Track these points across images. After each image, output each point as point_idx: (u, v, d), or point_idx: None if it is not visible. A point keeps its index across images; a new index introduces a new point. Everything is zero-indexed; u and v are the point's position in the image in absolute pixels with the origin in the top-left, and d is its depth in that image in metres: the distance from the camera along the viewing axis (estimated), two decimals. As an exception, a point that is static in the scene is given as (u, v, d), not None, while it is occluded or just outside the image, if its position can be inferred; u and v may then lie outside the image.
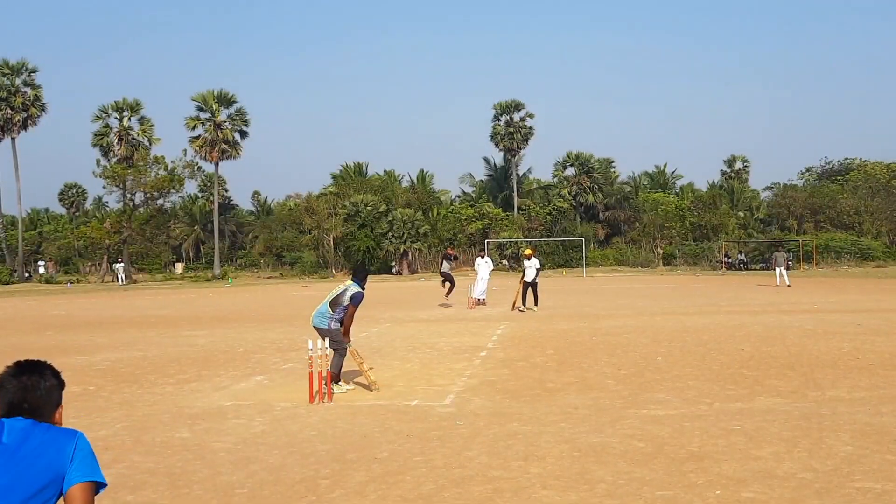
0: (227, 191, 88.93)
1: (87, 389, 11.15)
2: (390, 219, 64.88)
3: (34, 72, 63.90)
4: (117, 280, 60.84)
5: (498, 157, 79.41)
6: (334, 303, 10.82)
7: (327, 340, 10.49)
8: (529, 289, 24.29)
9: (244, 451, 7.56)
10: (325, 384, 10.09)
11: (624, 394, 10.20)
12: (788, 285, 34.99)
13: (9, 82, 62.86)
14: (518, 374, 11.95)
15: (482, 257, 27.57)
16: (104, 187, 64.82)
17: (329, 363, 10.43)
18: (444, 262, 28.65)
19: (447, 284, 27.72)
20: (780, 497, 5.92)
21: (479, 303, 26.34)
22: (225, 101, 66.39)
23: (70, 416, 9.32)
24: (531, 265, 24.42)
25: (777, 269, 36.36)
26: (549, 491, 6.17)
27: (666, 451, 7.28)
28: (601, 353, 14.09)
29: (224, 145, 65.73)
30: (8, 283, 57.29)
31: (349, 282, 11.08)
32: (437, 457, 7.24)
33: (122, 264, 61.49)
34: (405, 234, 64.35)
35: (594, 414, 8.98)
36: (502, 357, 13.87)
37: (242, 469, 6.93)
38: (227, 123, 66.27)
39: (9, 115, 61.89)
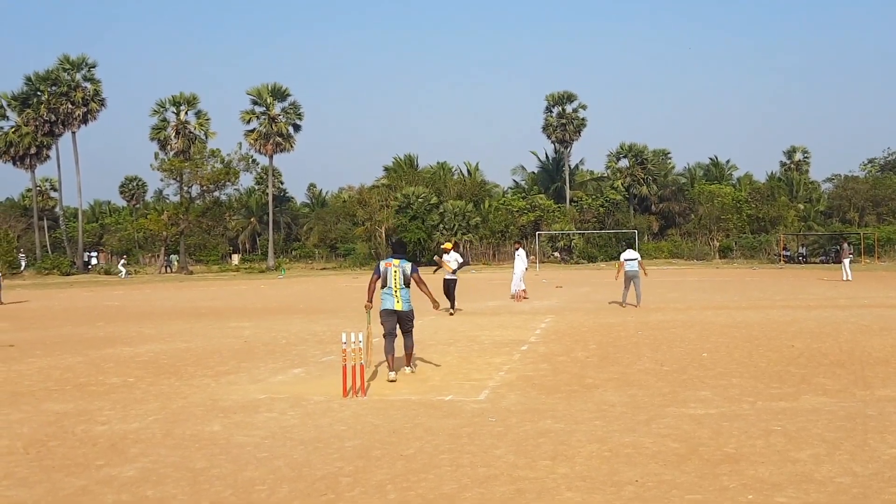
0: (282, 183, 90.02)
1: (127, 381, 11.21)
2: (441, 210, 64.85)
3: (94, 67, 65.06)
4: (170, 269, 63.01)
5: (549, 149, 78.93)
6: (406, 282, 11.22)
7: (405, 325, 11.35)
8: (451, 286, 21.54)
9: (271, 447, 7.51)
10: (361, 377, 10.03)
11: (664, 391, 9.95)
12: (848, 279, 33.94)
13: (69, 77, 64.17)
14: (557, 370, 11.74)
15: (516, 250, 25.72)
16: (161, 180, 66.02)
17: (406, 347, 11.49)
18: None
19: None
20: (814, 502, 5.66)
21: (514, 297, 25.70)
22: (279, 94, 67.19)
23: (105, 408, 9.40)
24: (452, 259, 21.80)
25: (844, 261, 35.19)
26: (574, 493, 5.98)
27: (700, 452, 7.03)
28: (645, 348, 13.80)
29: (278, 138, 66.62)
30: (68, 274, 58.58)
31: (395, 261, 11.24)
32: (464, 455, 7.10)
33: (177, 256, 63.36)
34: (456, 226, 64.29)
35: (630, 412, 8.75)
36: (543, 351, 13.67)
37: (266, 465, 6.87)
38: (281, 117, 67.15)
39: (69, 110, 63.18)
